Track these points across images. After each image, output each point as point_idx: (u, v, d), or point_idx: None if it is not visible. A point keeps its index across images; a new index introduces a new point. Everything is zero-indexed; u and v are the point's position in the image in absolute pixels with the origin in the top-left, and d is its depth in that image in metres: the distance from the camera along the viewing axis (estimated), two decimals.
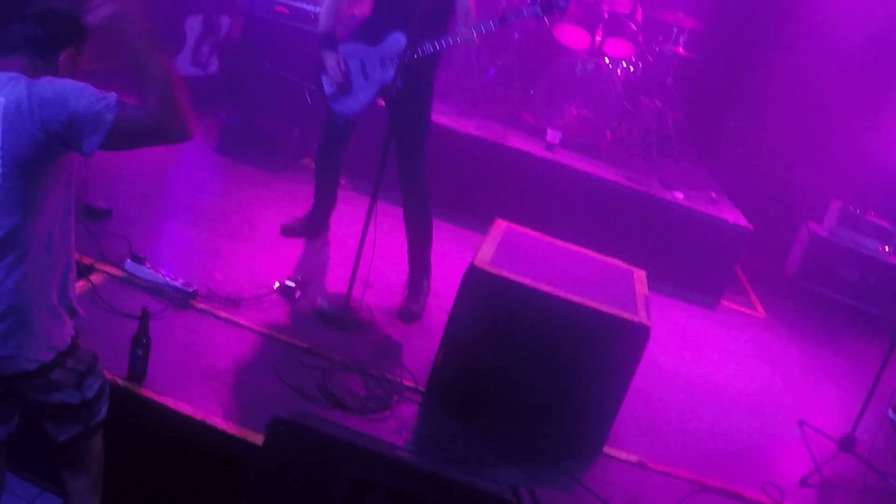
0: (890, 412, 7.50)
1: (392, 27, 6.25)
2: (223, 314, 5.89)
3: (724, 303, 9.40)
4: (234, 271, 6.48)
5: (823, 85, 11.16)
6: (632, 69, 10.41)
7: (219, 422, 4.80)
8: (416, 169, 6.65)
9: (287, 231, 7.31)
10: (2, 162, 3.24)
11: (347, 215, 7.54)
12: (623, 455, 5.86)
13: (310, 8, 9.41)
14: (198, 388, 5.04)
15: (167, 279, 5.84)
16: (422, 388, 5.74)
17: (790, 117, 11.55)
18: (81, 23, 3.35)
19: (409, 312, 6.67)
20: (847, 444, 6.65)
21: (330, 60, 6.57)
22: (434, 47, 6.21)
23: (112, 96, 3.25)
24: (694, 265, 9.20)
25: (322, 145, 7.13)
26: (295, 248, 7.21)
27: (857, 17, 10.94)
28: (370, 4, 6.62)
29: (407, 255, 6.89)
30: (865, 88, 11.21)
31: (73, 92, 3.24)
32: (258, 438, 4.62)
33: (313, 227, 7.42)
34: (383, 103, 6.60)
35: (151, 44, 3.25)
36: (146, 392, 4.82)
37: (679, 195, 9.28)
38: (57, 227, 3.49)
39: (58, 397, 3.61)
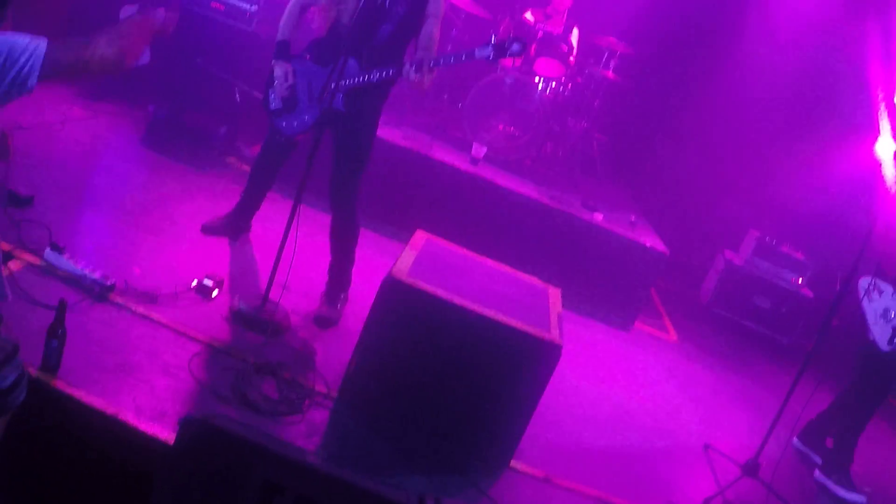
0: (795, 440, 7.66)
1: (345, 51, 6.15)
2: (140, 309, 5.86)
3: (638, 325, 9.52)
4: (152, 266, 6.44)
5: (748, 118, 11.38)
6: (561, 89, 10.50)
7: (130, 417, 4.77)
8: (351, 192, 6.64)
9: (208, 230, 7.28)
10: None
11: (270, 217, 7.55)
12: (529, 470, 5.92)
13: (246, 6, 9.40)
14: (111, 382, 5.00)
15: (85, 271, 5.79)
16: (334, 394, 5.75)
17: (713, 147, 11.75)
18: None
19: (326, 318, 6.69)
20: (751, 468, 6.77)
21: (279, 70, 6.55)
22: (384, 75, 6.20)
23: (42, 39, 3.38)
24: (610, 286, 9.31)
25: (262, 155, 7.13)
26: (215, 247, 7.18)
27: (786, 56, 11.16)
28: (327, 23, 6.53)
29: (328, 267, 6.90)
30: (788, 124, 11.45)
31: (3, 40, 3.34)
32: (169, 436, 4.62)
33: (234, 227, 7.40)
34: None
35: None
36: (59, 384, 4.78)
37: (599, 216, 9.39)
38: None
39: None
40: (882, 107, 7.75)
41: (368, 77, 6.20)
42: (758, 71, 11.25)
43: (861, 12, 10.74)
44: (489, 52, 6.05)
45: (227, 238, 7.36)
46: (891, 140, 7.38)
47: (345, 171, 6.58)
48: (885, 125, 7.61)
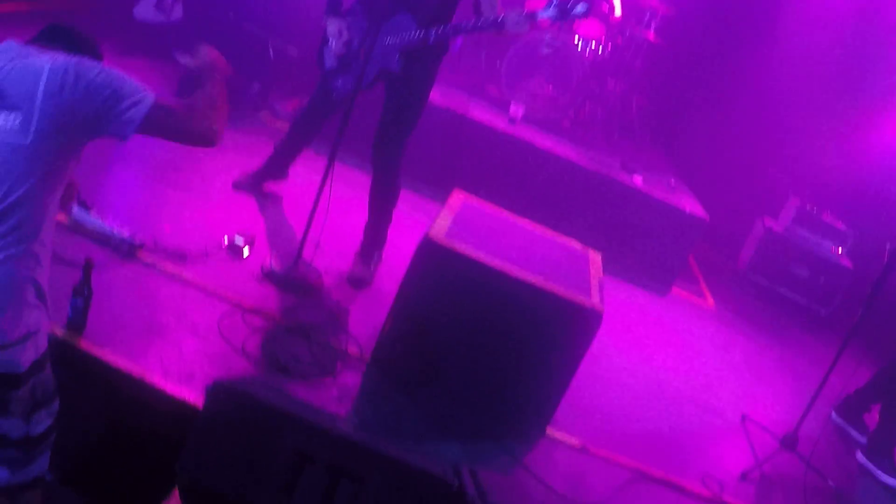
0: (833, 414, 7.50)
1: (401, 8, 6.00)
2: (169, 268, 5.75)
3: (675, 290, 9.39)
4: (182, 224, 6.33)
5: (792, 84, 11.16)
6: (600, 50, 10.33)
7: (157, 379, 4.68)
8: (395, 154, 6.45)
9: (239, 185, 7.14)
10: (38, 119, 3.21)
11: (304, 176, 7.42)
12: (566, 438, 5.81)
13: None
14: (138, 343, 4.91)
15: (113, 229, 5.69)
16: (367, 357, 5.65)
17: (755, 112, 11.56)
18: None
19: (359, 278, 6.55)
20: (789, 442, 6.65)
21: (332, 26, 6.34)
22: (441, 34, 6.00)
23: (150, 91, 3.47)
24: (648, 250, 9.18)
25: (307, 111, 6.92)
26: (246, 205, 7.05)
27: (832, 21, 10.95)
28: None
29: (364, 226, 6.74)
30: (834, 91, 11.23)
31: (118, 76, 3.40)
32: (197, 399, 4.52)
33: (268, 179, 7.25)
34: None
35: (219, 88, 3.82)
36: (84, 344, 4.69)
37: (638, 180, 9.24)
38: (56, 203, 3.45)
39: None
40: None
41: (426, 35, 6.01)
42: (801, 36, 11.04)
43: None
44: (552, 12, 5.88)
45: (258, 194, 7.21)
46: None
47: (392, 132, 6.37)
48: None
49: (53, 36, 3.56)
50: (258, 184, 7.19)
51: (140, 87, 3.43)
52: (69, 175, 3.44)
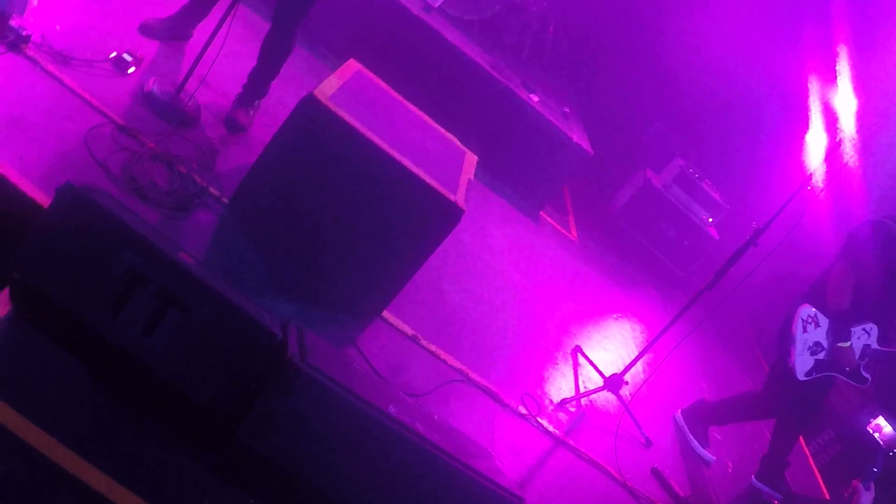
0: (678, 413, 7.61)
1: None
2: (50, 67, 5.59)
3: (543, 214, 9.47)
4: (75, 28, 6.13)
5: (707, 52, 11.25)
6: None
7: (12, 174, 4.60)
8: (298, 9, 6.28)
9: (145, 29, 6.84)
10: None
11: (212, 14, 7.26)
12: (400, 324, 5.89)
13: None
14: (1, 135, 4.80)
15: (3, 16, 5.51)
16: (226, 201, 5.61)
17: (664, 68, 11.61)
18: None
19: (236, 121, 6.41)
20: (614, 383, 6.82)
21: None
22: None
23: None
24: (527, 170, 9.22)
25: None
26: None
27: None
28: None
29: (250, 72, 6.56)
30: (746, 69, 11.38)
31: None
32: (47, 202, 4.45)
33: (173, 33, 6.88)
34: None
35: None
36: None
37: (535, 98, 9.25)
38: None
39: None
40: (815, 97, 7.70)
41: None
42: (722, 15, 11.13)
43: None
44: None
45: (162, 40, 6.95)
46: (822, 133, 7.32)
47: None
48: (816, 117, 7.57)
49: None
50: (166, 31, 6.90)
51: None
52: None
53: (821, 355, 6.71)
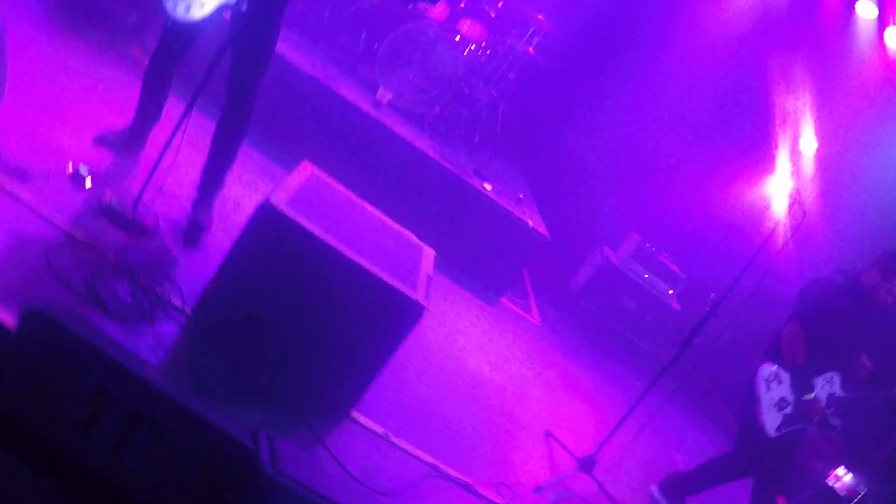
0: (653, 487, 7.60)
1: None
2: (7, 184, 5.62)
3: (504, 301, 9.52)
4: (31, 142, 6.15)
5: (653, 126, 11.45)
6: (479, 53, 10.38)
7: None
8: (252, 79, 6.23)
9: (102, 141, 6.83)
10: None
11: (164, 118, 7.30)
12: (370, 423, 5.87)
13: None
14: None
15: None
16: (188, 311, 5.60)
17: (613, 146, 11.79)
18: None
19: (198, 223, 6.38)
20: (587, 464, 6.84)
21: None
22: None
23: None
24: (484, 257, 9.30)
25: (158, 50, 6.63)
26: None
27: (700, 75, 11.24)
28: None
29: (204, 166, 6.51)
30: (690, 141, 11.56)
31: None
32: (10, 320, 4.44)
33: (129, 143, 6.83)
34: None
35: None
36: None
37: (488, 186, 9.34)
38: None
39: None
40: (782, 144, 7.88)
41: None
42: (672, 82, 11.31)
43: (768, 50, 10.89)
44: None
45: (118, 153, 6.95)
46: (788, 178, 7.48)
47: (250, 52, 6.16)
48: (783, 163, 7.74)
49: None
50: (121, 144, 6.85)
51: None
52: None
53: (788, 409, 6.84)
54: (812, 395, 6.77)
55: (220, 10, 6.11)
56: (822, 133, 9.97)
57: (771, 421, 6.77)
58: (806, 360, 6.79)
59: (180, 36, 6.40)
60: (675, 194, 11.72)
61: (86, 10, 8.48)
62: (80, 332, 4.05)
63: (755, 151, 11.09)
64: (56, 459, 3.99)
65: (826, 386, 6.87)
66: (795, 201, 7.22)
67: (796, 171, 8.00)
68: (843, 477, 8.89)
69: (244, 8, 5.95)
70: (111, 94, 7.47)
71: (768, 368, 6.86)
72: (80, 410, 3.97)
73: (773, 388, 6.83)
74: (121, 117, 7.03)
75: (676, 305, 10.88)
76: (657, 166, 11.82)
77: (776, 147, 9.54)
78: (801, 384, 6.80)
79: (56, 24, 8.00)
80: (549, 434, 7.34)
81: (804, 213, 6.97)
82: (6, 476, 4.07)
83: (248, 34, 6.14)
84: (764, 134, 10.83)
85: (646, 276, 10.95)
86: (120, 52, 8.47)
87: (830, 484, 8.87)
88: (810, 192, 7.94)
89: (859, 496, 8.70)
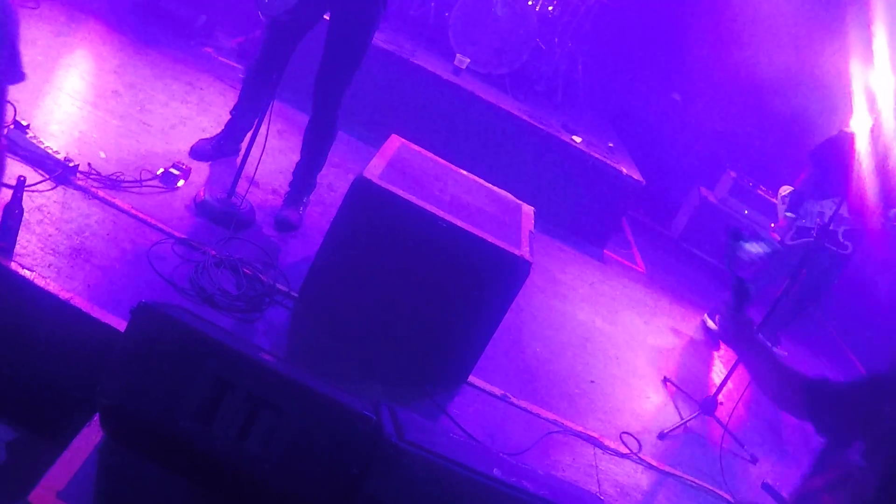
0: (705, 316, 8.24)
1: None
2: (102, 194, 5.68)
3: (607, 252, 9.46)
4: (119, 152, 6.25)
5: (740, 62, 11.20)
6: (551, 8, 10.29)
7: (83, 304, 4.65)
8: (337, 90, 6.27)
9: (196, 153, 6.82)
10: None
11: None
12: (488, 387, 5.86)
13: None
14: (67, 266, 4.87)
15: (48, 151, 5.62)
16: (295, 294, 5.65)
17: (700, 82, 11.60)
18: None
19: (287, 221, 6.42)
20: (708, 405, 6.76)
21: None
22: None
23: None
24: (583, 210, 9.25)
25: (260, 54, 6.59)
26: (183, 136, 6.95)
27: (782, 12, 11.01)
28: None
29: (296, 167, 6.61)
30: (773, 78, 11.32)
31: None
32: (122, 325, 4.50)
33: (224, 149, 6.93)
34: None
35: None
36: (13, 265, 4.65)
37: (578, 139, 9.27)
38: None
39: None
40: (858, 83, 7.89)
41: None
42: (753, 21, 11.09)
43: None
44: None
45: (213, 160, 6.90)
46: (867, 115, 7.62)
47: (335, 66, 6.18)
48: (859, 101, 7.78)
49: None
50: (216, 151, 6.90)
51: None
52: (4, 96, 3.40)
53: (799, 222, 8.10)
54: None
55: (319, 12, 6.12)
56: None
57: (787, 231, 7.88)
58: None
59: (280, 37, 6.40)
60: (768, 126, 11.51)
61: (156, 17, 8.58)
62: (190, 323, 4.07)
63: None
64: (181, 451, 4.03)
65: (831, 206, 7.68)
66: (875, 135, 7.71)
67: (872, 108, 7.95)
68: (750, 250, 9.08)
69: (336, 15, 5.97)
70: (191, 97, 7.56)
71: (785, 188, 8.04)
72: (200, 401, 3.99)
73: (785, 201, 8.09)
74: (204, 118, 7.11)
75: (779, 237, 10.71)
76: (746, 100, 11.61)
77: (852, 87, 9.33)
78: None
79: (127, 37, 8.08)
80: (666, 380, 7.28)
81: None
82: (135, 476, 4.13)
83: (341, 43, 6.16)
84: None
85: (746, 211, 10.78)
86: (193, 55, 8.54)
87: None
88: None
89: None
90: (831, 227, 7.70)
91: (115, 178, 5.88)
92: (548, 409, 6.03)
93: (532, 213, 6.25)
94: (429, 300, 5.41)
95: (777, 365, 3.98)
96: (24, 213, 4.69)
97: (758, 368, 4.02)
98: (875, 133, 7.43)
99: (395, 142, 6.13)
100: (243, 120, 6.83)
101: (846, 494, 3.59)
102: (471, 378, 5.78)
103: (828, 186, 7.97)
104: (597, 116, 11.01)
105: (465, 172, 6.35)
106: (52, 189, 5.47)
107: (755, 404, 7.60)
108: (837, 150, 7.86)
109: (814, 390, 3.80)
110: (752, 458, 6.76)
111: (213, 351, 4.00)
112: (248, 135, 6.37)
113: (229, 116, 6.92)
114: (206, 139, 6.92)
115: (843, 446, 3.66)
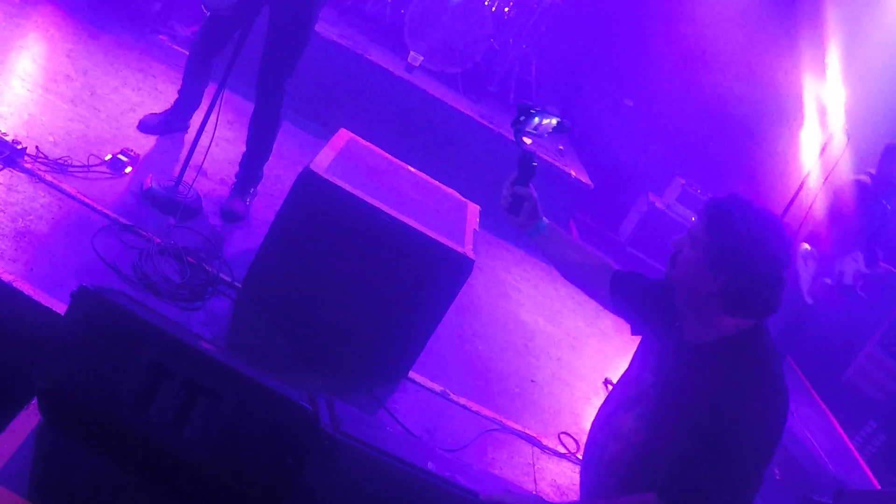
0: None
1: None
2: (49, 178, 5.64)
3: None
4: (68, 137, 6.21)
5: (693, 70, 11.29)
6: (506, 9, 10.33)
7: (25, 286, 4.63)
8: (280, 79, 6.29)
9: (144, 125, 6.86)
10: None
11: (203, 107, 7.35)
12: (428, 383, 5.89)
13: None
14: (10, 249, 4.83)
15: None
16: (238, 285, 5.64)
17: (653, 89, 11.67)
18: None
19: (233, 212, 6.42)
20: None
21: None
22: None
23: None
24: None
25: (196, 41, 6.82)
26: (133, 124, 6.90)
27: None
28: None
29: (241, 159, 6.59)
30: (738, 80, 11.41)
31: None
32: (64, 309, 4.49)
33: (171, 125, 6.99)
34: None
35: None
36: None
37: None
38: None
39: None
40: (810, 95, 8.13)
41: None
42: (708, 24, 11.16)
43: None
44: None
45: (161, 134, 6.97)
46: (818, 129, 7.86)
47: (278, 54, 6.22)
48: (811, 114, 7.99)
49: None
50: (165, 124, 6.96)
51: None
52: None
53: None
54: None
55: (259, 4, 6.15)
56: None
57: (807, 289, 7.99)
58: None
59: (219, 26, 6.48)
60: (718, 136, 11.60)
61: (111, 3, 8.53)
62: (130, 308, 4.07)
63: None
64: (116, 436, 4.03)
65: (852, 263, 7.99)
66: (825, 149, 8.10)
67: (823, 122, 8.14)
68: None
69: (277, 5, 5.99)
70: (143, 84, 7.54)
71: (804, 247, 8.10)
72: (137, 387, 3.99)
73: (809, 264, 8.09)
74: (155, 105, 7.10)
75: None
76: (697, 108, 11.68)
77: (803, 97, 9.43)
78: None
79: (81, 21, 8.04)
80: (607, 382, 7.33)
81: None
82: (72, 460, 4.13)
83: (281, 33, 6.19)
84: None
85: (693, 218, 10.86)
86: (147, 42, 8.51)
87: None
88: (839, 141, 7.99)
89: None
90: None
91: (62, 162, 5.85)
92: (487, 406, 6.06)
93: (478, 211, 6.29)
94: (371, 295, 5.43)
95: (577, 248, 4.19)
96: None
97: (555, 249, 4.25)
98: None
99: (343, 136, 6.14)
100: (190, 98, 6.92)
101: (640, 411, 3.74)
102: (411, 374, 5.80)
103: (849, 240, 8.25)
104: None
105: (412, 169, 6.37)
106: None
107: None
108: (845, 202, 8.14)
109: (617, 280, 4.25)
110: None
111: (152, 337, 4.00)
112: (197, 116, 6.39)
113: (176, 97, 6.99)
114: (155, 114, 6.96)
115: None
